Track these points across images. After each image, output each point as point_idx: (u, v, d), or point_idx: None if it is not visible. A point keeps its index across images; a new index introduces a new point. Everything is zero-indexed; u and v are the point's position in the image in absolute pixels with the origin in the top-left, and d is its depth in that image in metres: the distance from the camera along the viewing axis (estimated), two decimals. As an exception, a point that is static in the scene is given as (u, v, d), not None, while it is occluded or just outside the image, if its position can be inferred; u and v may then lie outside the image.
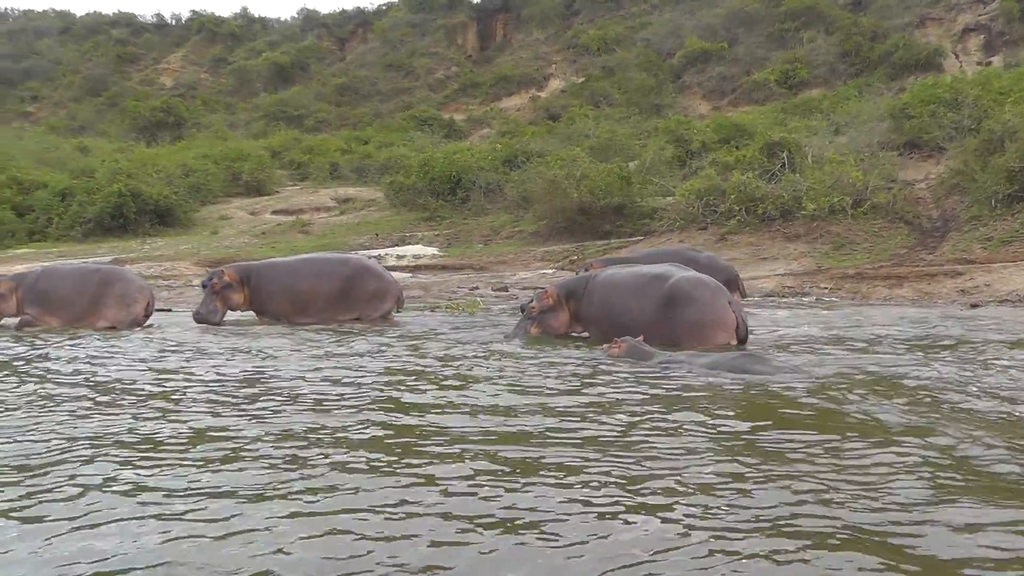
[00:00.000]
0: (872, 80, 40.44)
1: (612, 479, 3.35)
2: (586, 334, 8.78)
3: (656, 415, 4.54)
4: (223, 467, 3.61)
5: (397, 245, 24.01)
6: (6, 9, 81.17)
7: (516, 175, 26.51)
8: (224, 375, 6.16)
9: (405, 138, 42.39)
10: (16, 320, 10.57)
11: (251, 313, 11.01)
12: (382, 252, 22.64)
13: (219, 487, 3.35)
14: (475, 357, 7.15)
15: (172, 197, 30.09)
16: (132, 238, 27.67)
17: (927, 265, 14.46)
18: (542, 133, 36.82)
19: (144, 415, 4.68)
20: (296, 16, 77.57)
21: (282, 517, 3.00)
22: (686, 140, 26.89)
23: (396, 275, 19.16)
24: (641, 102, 45.10)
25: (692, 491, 3.21)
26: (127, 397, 5.28)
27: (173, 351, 7.68)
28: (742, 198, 17.64)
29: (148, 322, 10.70)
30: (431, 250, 23.30)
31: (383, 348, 7.77)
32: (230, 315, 10.81)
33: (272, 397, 5.16)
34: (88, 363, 6.93)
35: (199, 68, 69.07)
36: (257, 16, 77.62)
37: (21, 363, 6.95)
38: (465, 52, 66.29)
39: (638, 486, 3.27)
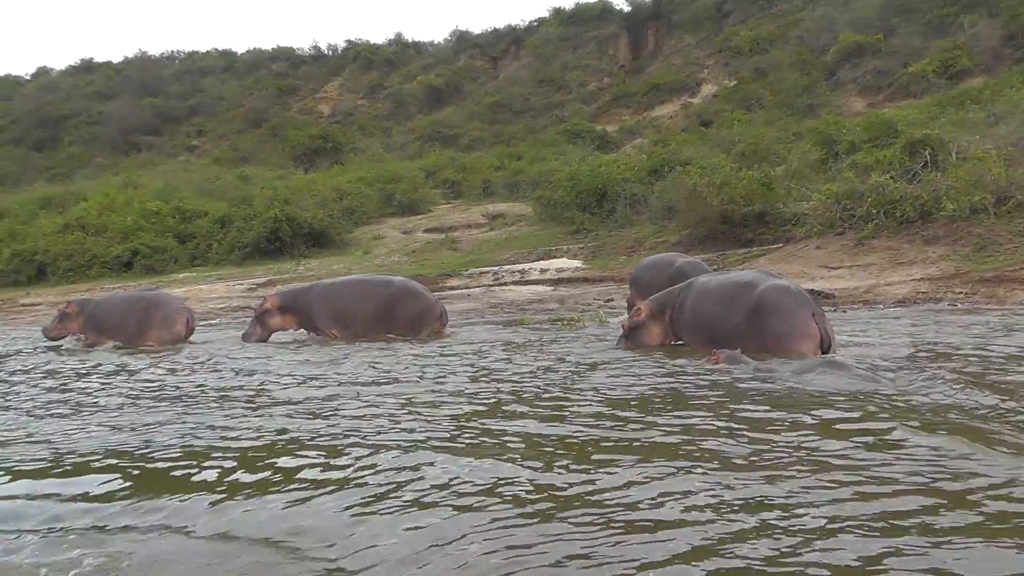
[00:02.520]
0: (1041, 64, 38.46)
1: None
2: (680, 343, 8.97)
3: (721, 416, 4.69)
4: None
5: (542, 259, 24.32)
6: (173, 51, 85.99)
7: (660, 185, 26.43)
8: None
9: (557, 152, 42.65)
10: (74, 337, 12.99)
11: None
12: (526, 266, 23.00)
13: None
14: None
15: (326, 220, 31.33)
16: (287, 260, 28.97)
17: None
18: (694, 140, 36.46)
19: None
20: (449, 38, 79.15)
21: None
22: (835, 141, 26.27)
23: (537, 288, 19.75)
24: (794, 103, 43.97)
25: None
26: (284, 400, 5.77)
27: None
28: (880, 200, 17.15)
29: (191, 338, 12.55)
30: (575, 263, 23.48)
31: (553, 367, 8.07)
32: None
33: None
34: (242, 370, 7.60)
35: (356, 95, 71.43)
36: (411, 40, 79.56)
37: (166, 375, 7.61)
38: (617, 62, 66.31)
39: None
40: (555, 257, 24.46)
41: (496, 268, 22.91)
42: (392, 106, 67.00)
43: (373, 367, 8.29)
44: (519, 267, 22.90)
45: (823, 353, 7.70)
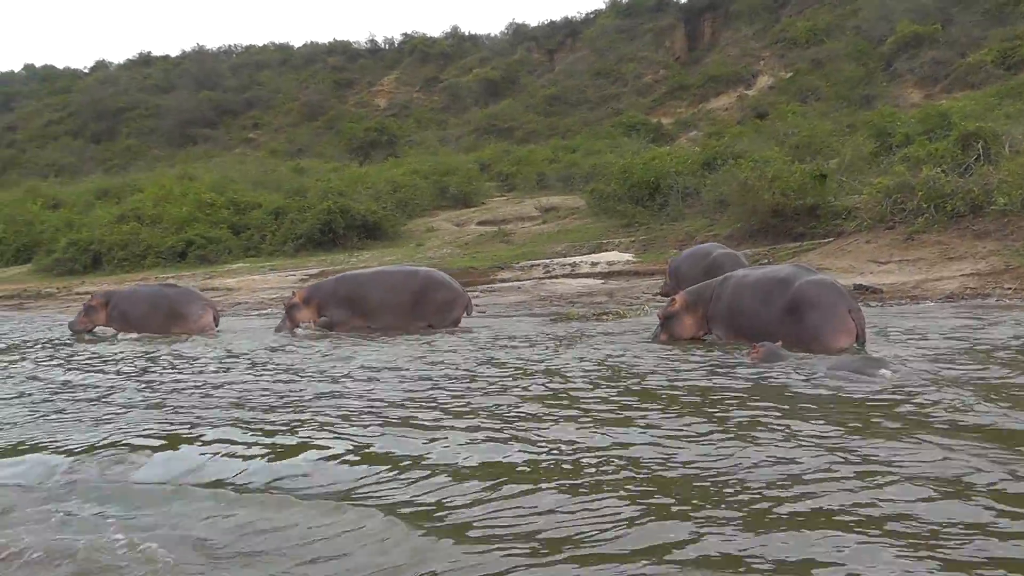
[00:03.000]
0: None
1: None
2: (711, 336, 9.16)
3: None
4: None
5: (593, 252, 24.42)
6: (230, 45, 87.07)
7: (713, 178, 26.35)
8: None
9: (612, 145, 42.58)
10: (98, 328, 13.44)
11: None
12: (577, 259, 23.12)
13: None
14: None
15: (380, 212, 31.66)
16: (340, 252, 29.40)
17: None
18: (748, 133, 36.22)
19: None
20: (505, 31, 79.17)
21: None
22: (889, 134, 26.05)
23: (587, 281, 19.89)
24: (850, 94, 43.48)
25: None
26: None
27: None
28: (931, 195, 17.03)
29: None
30: (626, 256, 23.52)
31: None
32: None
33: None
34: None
35: (412, 88, 71.83)
36: (467, 34, 79.70)
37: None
38: (673, 54, 65.93)
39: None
40: (606, 250, 24.53)
41: (547, 261, 23.07)
42: (448, 99, 67.32)
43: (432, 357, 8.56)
44: (570, 260, 23.03)
45: (858, 345, 7.86)
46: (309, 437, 5.12)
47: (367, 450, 4.75)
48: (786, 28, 59.55)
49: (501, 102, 63.12)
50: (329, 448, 4.82)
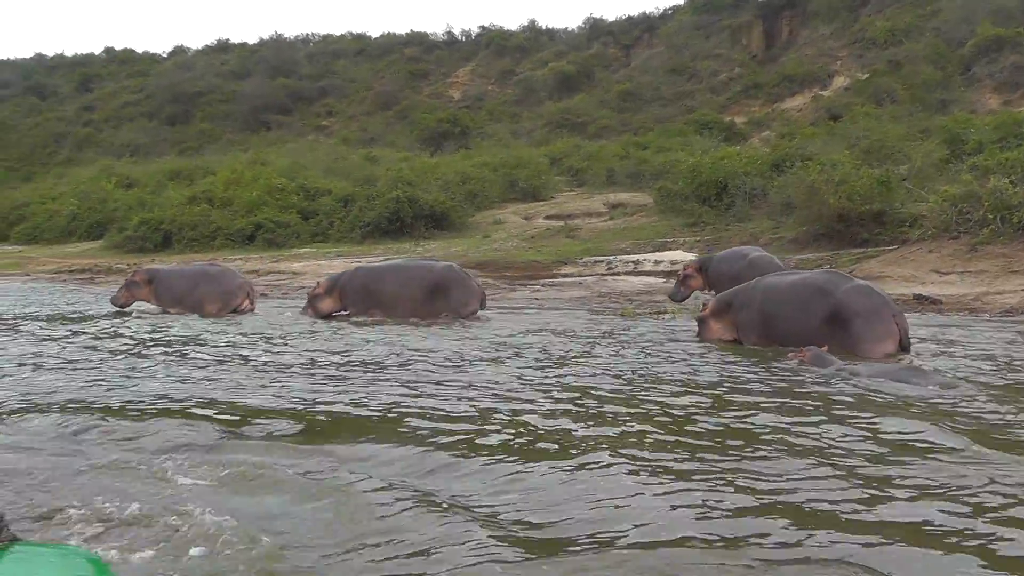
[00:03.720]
0: None
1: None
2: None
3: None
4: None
5: (657, 251, 24.51)
6: (308, 34, 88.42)
7: (780, 180, 26.23)
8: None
9: (683, 143, 42.50)
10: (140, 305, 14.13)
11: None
12: (640, 257, 23.23)
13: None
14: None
15: (448, 203, 32.14)
16: (407, 240, 29.89)
17: None
18: (821, 134, 35.91)
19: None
20: (583, 25, 79.20)
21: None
22: (962, 140, 25.74)
23: (649, 280, 20.06)
24: (926, 98, 42.86)
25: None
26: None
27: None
28: (997, 205, 16.84)
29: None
30: (690, 256, 23.45)
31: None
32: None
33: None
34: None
35: (486, 80, 72.25)
36: (544, 28, 79.93)
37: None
38: (750, 52, 65.46)
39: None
40: (670, 249, 24.58)
41: (611, 257, 23.24)
42: (522, 92, 67.57)
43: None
44: (633, 257, 23.15)
45: (902, 351, 8.03)
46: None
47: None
48: (865, 27, 58.76)
49: (575, 96, 63.22)
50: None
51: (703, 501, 3.79)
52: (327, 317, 12.90)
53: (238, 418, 5.65)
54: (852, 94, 50.02)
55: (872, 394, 6.33)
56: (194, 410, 5.91)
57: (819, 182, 21.79)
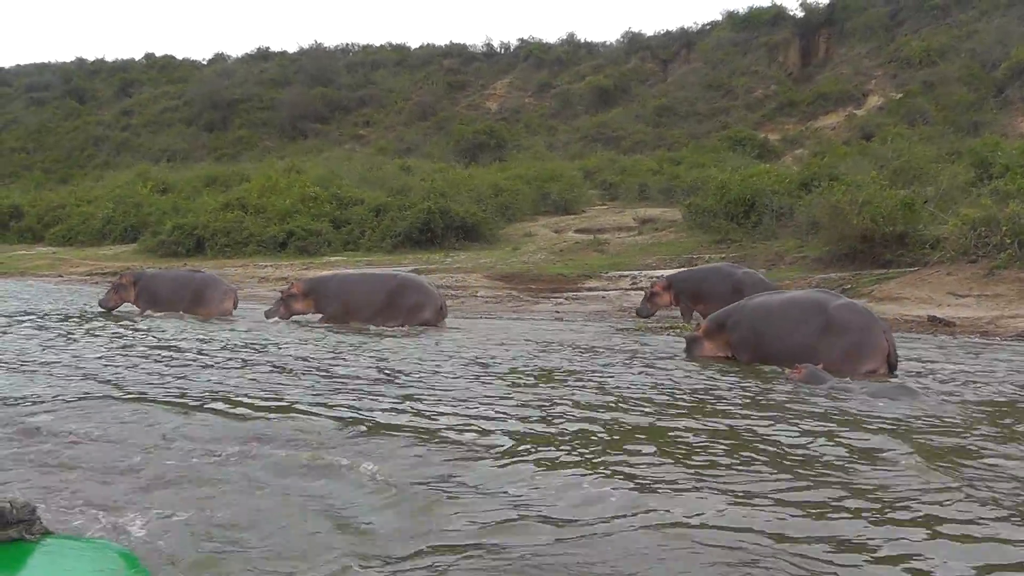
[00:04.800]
0: None
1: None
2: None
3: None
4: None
5: (682, 267, 24.73)
6: (347, 44, 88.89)
7: (807, 200, 26.30)
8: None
9: (717, 159, 42.51)
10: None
11: None
12: (664, 273, 23.46)
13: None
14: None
15: (479, 215, 32.58)
16: (437, 251, 30.34)
17: None
18: (852, 154, 35.87)
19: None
20: (621, 39, 79.11)
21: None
22: (990, 163, 25.81)
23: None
24: (959, 120, 42.72)
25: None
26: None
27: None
28: (1015, 230, 17.05)
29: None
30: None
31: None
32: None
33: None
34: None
35: (524, 93, 72.36)
36: (583, 41, 79.86)
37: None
38: (786, 69, 65.31)
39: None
40: (695, 265, 24.84)
41: (636, 272, 23.55)
42: (559, 105, 67.71)
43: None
44: (658, 273, 23.38)
45: (889, 369, 8.40)
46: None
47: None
48: (900, 47, 58.45)
49: (611, 110, 63.35)
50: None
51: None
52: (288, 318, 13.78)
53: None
54: (885, 114, 49.86)
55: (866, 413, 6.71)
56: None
57: (843, 202, 21.93)
